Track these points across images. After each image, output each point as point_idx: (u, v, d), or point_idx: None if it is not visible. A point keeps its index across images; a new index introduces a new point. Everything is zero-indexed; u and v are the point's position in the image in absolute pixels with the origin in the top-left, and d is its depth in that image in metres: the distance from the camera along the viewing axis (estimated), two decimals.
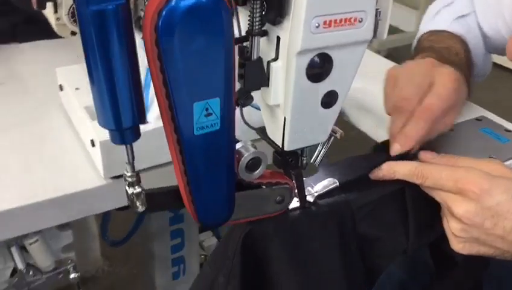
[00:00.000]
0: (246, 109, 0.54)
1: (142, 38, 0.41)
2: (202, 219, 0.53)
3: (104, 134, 0.46)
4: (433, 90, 0.64)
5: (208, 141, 0.46)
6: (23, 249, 0.77)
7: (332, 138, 0.57)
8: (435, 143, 0.73)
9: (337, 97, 0.51)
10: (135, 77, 0.44)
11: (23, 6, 0.98)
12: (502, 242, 0.58)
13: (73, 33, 0.82)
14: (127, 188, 0.50)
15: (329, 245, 0.60)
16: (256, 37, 0.46)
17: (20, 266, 0.78)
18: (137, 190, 0.50)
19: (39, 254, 0.78)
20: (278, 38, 0.47)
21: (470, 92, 0.78)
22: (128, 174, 0.49)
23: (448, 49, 0.79)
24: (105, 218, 1.06)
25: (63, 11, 0.78)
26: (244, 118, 0.55)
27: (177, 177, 0.50)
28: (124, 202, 0.54)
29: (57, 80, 0.88)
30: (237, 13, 0.47)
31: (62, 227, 0.82)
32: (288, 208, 0.58)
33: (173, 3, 0.39)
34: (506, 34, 0.86)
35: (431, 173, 0.60)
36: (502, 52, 0.83)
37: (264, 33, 0.48)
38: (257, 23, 0.45)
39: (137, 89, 0.44)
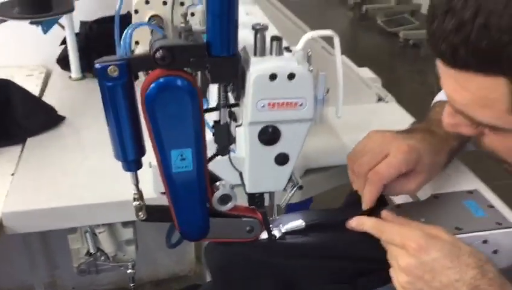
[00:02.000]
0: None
1: None
2: (183, 233, 0.72)
3: None
4: (385, 159, 0.77)
5: (183, 177, 0.66)
6: (95, 235, 1.03)
7: (296, 187, 0.72)
8: (414, 207, 0.84)
9: (289, 158, 0.67)
10: (135, 125, 0.64)
11: None
12: None
13: None
14: (132, 202, 0.71)
15: None
16: (222, 109, 0.64)
17: (92, 248, 1.04)
18: (140, 204, 0.70)
19: (105, 241, 1.03)
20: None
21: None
22: (134, 192, 0.70)
23: (439, 121, 0.88)
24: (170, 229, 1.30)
25: None
26: (232, 162, 0.73)
27: (168, 200, 0.70)
28: None
29: None
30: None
31: (125, 225, 1.05)
32: (257, 238, 0.75)
33: (156, 82, 0.59)
34: None
35: (386, 229, 0.73)
36: None
37: (234, 105, 0.66)
38: (222, 99, 0.64)
39: (137, 133, 0.64)
